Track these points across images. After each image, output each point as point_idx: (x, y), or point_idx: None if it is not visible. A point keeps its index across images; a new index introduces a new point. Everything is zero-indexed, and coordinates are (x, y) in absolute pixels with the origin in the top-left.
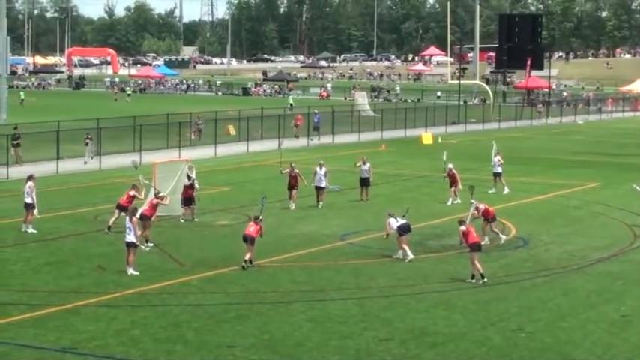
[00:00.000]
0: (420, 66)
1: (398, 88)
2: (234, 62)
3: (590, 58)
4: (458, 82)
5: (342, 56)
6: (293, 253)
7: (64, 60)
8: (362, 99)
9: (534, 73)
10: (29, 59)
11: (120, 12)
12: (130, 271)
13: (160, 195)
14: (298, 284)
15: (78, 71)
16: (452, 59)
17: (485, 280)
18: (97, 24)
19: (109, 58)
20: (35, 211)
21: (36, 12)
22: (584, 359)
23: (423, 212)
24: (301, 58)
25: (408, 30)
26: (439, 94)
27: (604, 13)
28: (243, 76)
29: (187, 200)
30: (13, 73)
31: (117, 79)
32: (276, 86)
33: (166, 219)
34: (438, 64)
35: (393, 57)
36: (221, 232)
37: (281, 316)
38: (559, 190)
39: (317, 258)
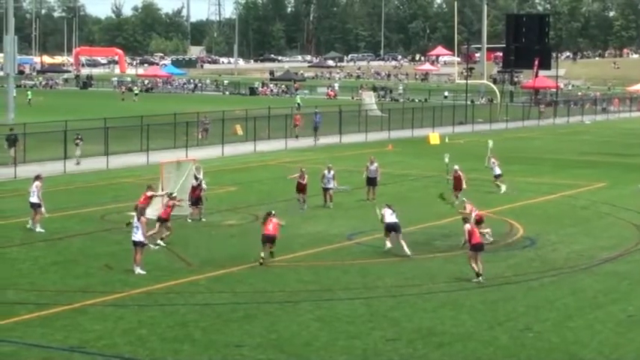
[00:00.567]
0: (427, 66)
1: (401, 87)
2: (241, 62)
3: (597, 58)
4: (465, 81)
5: (350, 56)
6: (300, 252)
7: (71, 59)
8: (369, 99)
9: (542, 73)
10: (37, 59)
11: (127, 11)
12: (138, 270)
13: (174, 195)
14: (306, 284)
15: (85, 71)
16: (459, 59)
17: (480, 279)
18: (105, 23)
19: (116, 58)
20: (43, 209)
21: (43, 11)
22: (591, 359)
23: (429, 212)
24: (308, 57)
25: (416, 30)
26: (446, 94)
27: (611, 13)
28: (250, 76)
29: (195, 200)
30: (21, 72)
31: (129, 79)
32: (283, 86)
33: (173, 219)
34: (445, 63)
35: (400, 57)
36: (229, 232)
37: (288, 315)
38: (566, 190)
39: (324, 258)
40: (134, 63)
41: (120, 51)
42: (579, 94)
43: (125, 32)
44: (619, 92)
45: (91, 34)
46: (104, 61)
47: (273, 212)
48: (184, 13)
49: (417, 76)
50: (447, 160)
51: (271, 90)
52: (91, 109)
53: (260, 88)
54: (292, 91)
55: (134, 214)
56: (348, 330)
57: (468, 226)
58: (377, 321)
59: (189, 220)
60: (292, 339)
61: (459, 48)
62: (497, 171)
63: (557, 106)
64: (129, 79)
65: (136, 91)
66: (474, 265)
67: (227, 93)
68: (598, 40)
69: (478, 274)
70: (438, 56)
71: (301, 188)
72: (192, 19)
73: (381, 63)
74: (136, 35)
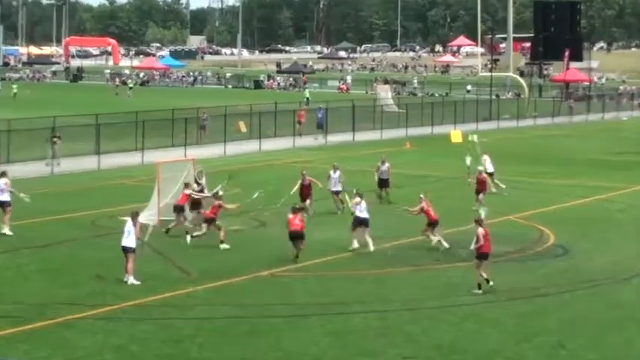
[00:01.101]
0: (448, 57)
1: (415, 80)
2: (245, 53)
3: (633, 49)
4: (489, 74)
5: (363, 46)
6: (309, 261)
7: (60, 50)
8: (385, 93)
9: (573, 65)
10: (23, 49)
11: None
12: (130, 280)
13: (220, 195)
14: (315, 296)
15: (76, 62)
16: (483, 50)
17: (480, 291)
18: (97, 11)
19: (109, 49)
20: (24, 196)
21: None
22: None
23: (451, 217)
24: (318, 48)
25: (435, 18)
26: (469, 87)
27: None
28: (255, 68)
29: (194, 205)
30: (6, 64)
31: (127, 71)
32: (290, 79)
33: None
34: (467, 55)
35: (418, 47)
36: (231, 239)
37: (296, 330)
38: (601, 193)
39: (335, 267)
40: (129, 54)
41: (113, 41)
42: (621, 88)
43: (119, 21)
44: None
45: (82, 22)
46: (96, 52)
47: (298, 206)
48: (183, 0)
49: (437, 69)
50: (468, 162)
51: (278, 83)
52: (81, 104)
53: (266, 82)
54: (300, 85)
55: (128, 218)
56: (360, 346)
57: (481, 231)
58: (392, 336)
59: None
60: (300, 356)
61: (483, 38)
62: (490, 168)
63: (590, 101)
64: (127, 71)
65: (131, 85)
66: (481, 273)
67: (230, 86)
68: (634, 29)
69: (480, 286)
70: (459, 47)
71: (306, 194)
72: (192, 7)
73: (398, 54)
74: (131, 24)
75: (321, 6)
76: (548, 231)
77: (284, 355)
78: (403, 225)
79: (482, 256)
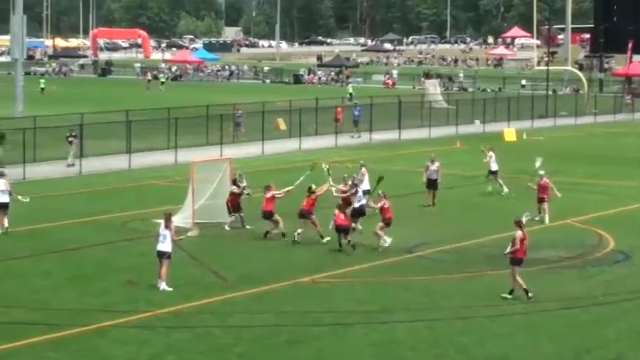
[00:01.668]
0: (501, 50)
1: (461, 74)
2: (284, 45)
3: None
4: (546, 68)
5: (410, 38)
6: (354, 267)
7: (88, 43)
8: (433, 88)
9: (636, 57)
10: (48, 42)
11: None
12: (163, 286)
13: (313, 189)
14: (360, 303)
15: (104, 55)
16: (539, 42)
17: (510, 296)
18: (126, 1)
19: (139, 41)
20: (24, 199)
21: None
22: None
23: (504, 220)
24: (362, 40)
25: (488, 7)
26: (524, 82)
27: None
28: (294, 62)
29: (235, 207)
30: (30, 57)
31: (163, 65)
32: (332, 73)
33: (207, 227)
34: (522, 47)
35: (469, 39)
36: (270, 243)
37: (340, 340)
38: None
39: (381, 273)
40: (160, 46)
41: (144, 33)
42: None
43: (150, 11)
44: None
45: (111, 13)
46: (125, 44)
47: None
48: None
49: (490, 62)
50: (537, 164)
51: (319, 78)
52: (110, 100)
53: (306, 76)
54: (343, 79)
55: (161, 221)
56: (408, 357)
57: (519, 234)
58: (442, 347)
59: (228, 228)
60: None
61: (539, 29)
62: (494, 167)
63: None
64: (163, 65)
65: (163, 79)
66: (520, 282)
67: (267, 81)
68: None
69: (512, 292)
70: (513, 38)
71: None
72: None
73: (447, 46)
74: (163, 14)
75: None
76: (607, 235)
77: None
78: (455, 229)
79: (517, 261)
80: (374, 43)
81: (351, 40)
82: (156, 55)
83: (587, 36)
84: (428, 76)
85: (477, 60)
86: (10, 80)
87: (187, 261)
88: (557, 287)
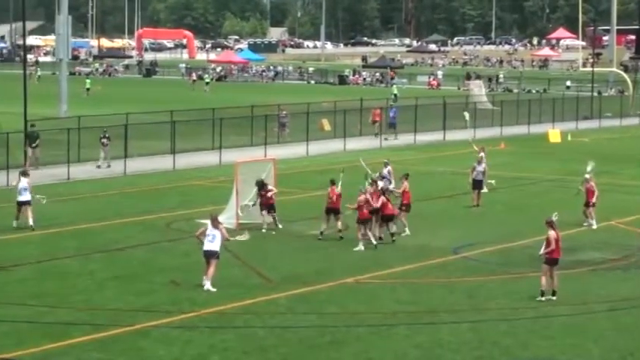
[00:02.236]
0: (546, 51)
1: (502, 74)
2: (329, 46)
3: None
4: (591, 69)
5: (455, 39)
6: (397, 268)
7: (133, 43)
8: (478, 89)
9: None
10: (93, 42)
11: None
12: (207, 285)
13: (387, 188)
14: (403, 304)
15: (149, 56)
16: (584, 43)
17: (544, 299)
18: (172, 2)
19: (184, 41)
20: (42, 199)
21: None
22: None
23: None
24: (407, 41)
25: (533, 9)
26: (569, 83)
27: None
28: (339, 62)
29: (270, 207)
30: (75, 57)
31: (213, 66)
32: (377, 74)
33: (249, 227)
34: (567, 48)
35: (514, 40)
36: (314, 244)
37: (383, 341)
38: None
39: (425, 274)
40: (205, 47)
41: (189, 33)
42: None
43: (195, 12)
44: None
45: (156, 13)
46: (171, 44)
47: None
48: None
49: (535, 63)
50: (589, 168)
51: (364, 79)
52: (155, 100)
53: (351, 77)
54: (388, 80)
55: (207, 221)
56: (451, 359)
57: (553, 234)
58: (486, 349)
59: (264, 230)
60: None
61: (584, 30)
62: (482, 168)
63: None
64: (212, 66)
65: (207, 80)
66: (544, 280)
67: (312, 82)
68: None
69: (543, 293)
70: (558, 40)
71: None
72: None
73: (492, 47)
74: (208, 15)
75: None
76: None
77: None
78: (500, 230)
79: (552, 261)
80: (419, 44)
81: (396, 41)
82: (201, 56)
83: (633, 37)
84: (469, 77)
85: (522, 61)
86: (55, 80)
87: (231, 261)
88: (602, 289)
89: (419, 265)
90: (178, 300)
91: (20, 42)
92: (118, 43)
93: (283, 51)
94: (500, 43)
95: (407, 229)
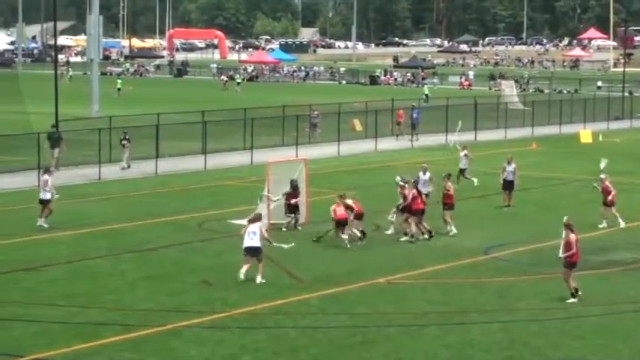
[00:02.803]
0: (577, 51)
1: (526, 75)
2: (360, 46)
3: None
4: (622, 70)
5: (487, 39)
6: (428, 268)
7: (164, 43)
8: (509, 89)
9: None
10: (124, 42)
11: None
12: (259, 279)
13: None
14: (434, 305)
15: (180, 56)
16: (615, 43)
17: (576, 300)
18: (203, 2)
19: (215, 41)
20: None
21: None
22: None
23: (580, 222)
24: (438, 41)
25: (564, 9)
26: (600, 84)
27: None
28: (370, 63)
29: (292, 208)
30: (106, 58)
31: (246, 67)
32: (409, 74)
33: (279, 226)
34: (598, 48)
35: (545, 40)
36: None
37: (414, 341)
38: None
39: (456, 274)
40: (236, 47)
41: (220, 33)
42: None
43: (226, 12)
44: None
45: (187, 13)
46: (202, 44)
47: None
48: None
49: (566, 63)
50: (602, 165)
51: (395, 79)
52: (186, 101)
53: (382, 77)
54: (419, 81)
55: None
56: (482, 359)
57: (573, 237)
58: (516, 349)
59: (284, 230)
60: None
61: (615, 30)
62: (464, 165)
63: None
64: (244, 66)
65: (239, 80)
66: (570, 283)
67: (344, 82)
68: None
69: (576, 292)
70: (590, 40)
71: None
72: None
73: (524, 48)
74: (239, 15)
75: None
76: None
77: None
78: (531, 231)
79: (574, 264)
80: (450, 44)
81: (427, 41)
82: (232, 56)
83: None
84: (492, 77)
85: (553, 61)
86: (86, 80)
87: (263, 262)
88: (633, 289)
89: (450, 265)
90: (210, 300)
91: (51, 42)
92: (149, 43)
93: (314, 51)
94: (532, 44)
95: (453, 227)
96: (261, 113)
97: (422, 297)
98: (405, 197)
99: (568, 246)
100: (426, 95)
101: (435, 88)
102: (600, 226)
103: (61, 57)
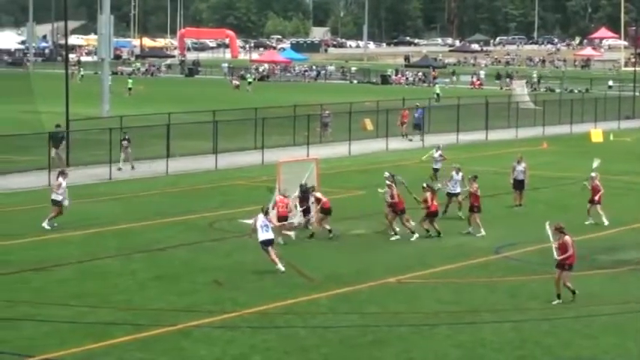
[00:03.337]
0: (588, 50)
1: (535, 74)
2: (371, 45)
3: None
4: (633, 69)
5: (498, 39)
6: (439, 268)
7: (175, 42)
8: (520, 89)
9: None
10: (136, 41)
11: None
12: (280, 267)
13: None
14: (445, 304)
15: (191, 55)
16: (626, 43)
17: (561, 300)
18: (214, 1)
19: (227, 41)
20: (67, 202)
21: None
22: None
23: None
24: (450, 40)
25: (575, 8)
26: (611, 83)
27: None
28: (381, 62)
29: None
30: (117, 57)
31: (257, 65)
32: (420, 73)
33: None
34: (609, 48)
35: (556, 40)
36: (355, 243)
37: (425, 341)
38: None
39: (467, 274)
40: (247, 47)
41: (231, 33)
42: None
43: (237, 11)
44: None
45: (198, 13)
46: (213, 44)
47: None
48: None
49: (577, 63)
50: (595, 165)
51: (406, 78)
52: (197, 100)
53: (393, 76)
54: (430, 80)
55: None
56: (493, 359)
57: (568, 239)
58: (528, 348)
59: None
60: None
61: (626, 30)
62: (436, 165)
63: None
64: (255, 65)
65: (250, 80)
66: (567, 284)
67: (355, 81)
68: None
69: (559, 296)
70: (601, 39)
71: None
72: None
73: (535, 47)
74: (250, 15)
75: None
76: None
77: None
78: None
79: (571, 266)
80: (461, 43)
81: (439, 40)
82: (243, 56)
83: None
84: (497, 76)
85: (565, 61)
86: (97, 80)
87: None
88: None
89: (460, 264)
90: (220, 300)
91: (62, 41)
92: (160, 42)
93: (326, 51)
94: (543, 43)
95: (482, 229)
96: (273, 113)
97: (433, 296)
98: (392, 196)
99: (564, 248)
100: (438, 95)
101: (446, 87)
102: (586, 222)
103: (72, 56)
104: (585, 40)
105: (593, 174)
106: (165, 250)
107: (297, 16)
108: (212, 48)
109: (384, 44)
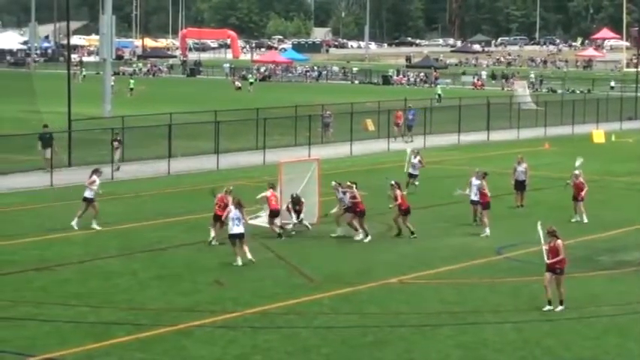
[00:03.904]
0: (590, 51)
1: (532, 74)
2: (373, 46)
3: None
4: (635, 70)
5: (499, 39)
6: (441, 268)
7: (177, 43)
8: (522, 89)
9: None
10: (137, 42)
11: None
12: (249, 256)
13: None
14: (447, 305)
15: (193, 56)
16: (628, 43)
17: (559, 308)
18: (215, 2)
19: (228, 41)
20: (96, 204)
21: None
22: None
23: (593, 222)
24: (451, 41)
25: (577, 9)
26: (613, 84)
27: None
28: (383, 62)
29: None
30: (119, 57)
31: (258, 66)
32: (421, 74)
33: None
34: (611, 48)
35: (558, 41)
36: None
37: (426, 341)
38: None
39: (469, 274)
40: (249, 47)
41: (233, 33)
42: None
43: (239, 11)
44: None
45: (200, 13)
46: (214, 44)
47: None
48: None
49: (579, 64)
50: (577, 163)
51: (408, 79)
52: (199, 100)
53: (395, 77)
54: (432, 81)
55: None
56: (495, 359)
57: (560, 242)
58: (529, 349)
59: (293, 233)
60: None
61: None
62: (412, 170)
63: None
64: (256, 66)
65: (251, 80)
66: (560, 289)
67: (356, 82)
68: None
69: (562, 302)
70: (603, 40)
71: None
72: None
73: (537, 48)
74: (252, 15)
75: None
76: None
77: None
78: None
79: (562, 270)
80: (463, 44)
81: (440, 41)
82: (244, 56)
83: None
84: (492, 77)
85: (566, 61)
86: (99, 80)
87: (274, 261)
88: None
89: (462, 265)
90: (221, 300)
91: (64, 42)
92: (161, 43)
93: (327, 51)
94: (545, 44)
95: (487, 229)
96: (274, 113)
97: (435, 297)
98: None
99: (555, 252)
100: (439, 95)
101: (447, 88)
102: (572, 220)
103: (74, 57)
104: (587, 41)
105: (576, 172)
106: (167, 250)
107: (298, 17)
108: (213, 48)
109: (386, 45)
